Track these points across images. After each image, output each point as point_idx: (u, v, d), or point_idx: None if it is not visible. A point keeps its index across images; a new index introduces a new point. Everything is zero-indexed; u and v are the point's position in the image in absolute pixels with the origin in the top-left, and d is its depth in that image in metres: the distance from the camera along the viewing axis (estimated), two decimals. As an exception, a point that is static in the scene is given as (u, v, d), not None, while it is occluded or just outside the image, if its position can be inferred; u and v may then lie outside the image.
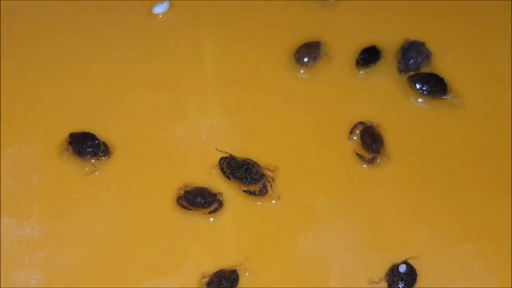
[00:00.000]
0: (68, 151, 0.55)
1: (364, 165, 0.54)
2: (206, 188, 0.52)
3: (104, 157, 0.54)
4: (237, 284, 0.49)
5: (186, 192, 0.51)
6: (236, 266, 0.49)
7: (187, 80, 0.59)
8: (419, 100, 0.57)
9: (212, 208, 0.51)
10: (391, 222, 0.52)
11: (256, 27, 0.62)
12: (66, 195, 0.53)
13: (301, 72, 0.60)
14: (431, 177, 0.54)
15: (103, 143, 0.55)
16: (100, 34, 0.61)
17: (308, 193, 0.53)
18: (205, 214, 0.51)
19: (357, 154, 0.53)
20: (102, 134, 0.55)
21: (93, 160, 0.54)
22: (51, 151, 0.55)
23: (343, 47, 0.61)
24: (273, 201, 0.53)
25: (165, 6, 0.63)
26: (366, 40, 0.61)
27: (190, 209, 0.51)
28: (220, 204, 0.51)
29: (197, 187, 0.51)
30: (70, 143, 0.54)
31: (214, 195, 0.50)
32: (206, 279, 0.50)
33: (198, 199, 0.51)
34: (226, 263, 0.51)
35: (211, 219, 0.52)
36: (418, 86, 0.56)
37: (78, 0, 0.63)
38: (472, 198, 0.54)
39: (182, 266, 0.50)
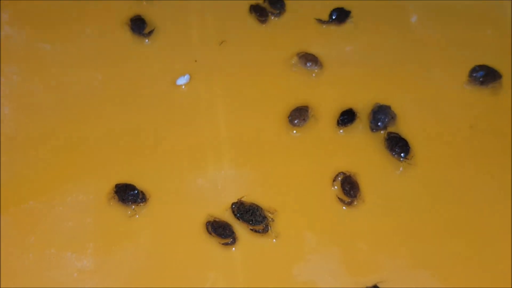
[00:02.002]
0: (114, 198, 0.60)
1: (344, 207, 0.59)
2: (230, 224, 0.58)
3: (142, 203, 0.59)
4: None
5: (215, 221, 0.57)
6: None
7: (205, 139, 0.64)
8: (394, 156, 0.61)
9: (227, 240, 0.57)
10: (365, 252, 0.57)
11: (258, 95, 0.67)
12: (113, 234, 0.58)
13: (294, 132, 0.64)
14: (397, 216, 0.58)
15: (141, 192, 0.60)
16: (137, 101, 0.66)
17: (300, 229, 0.58)
18: (220, 243, 0.57)
19: (339, 198, 0.59)
20: (140, 184, 0.60)
21: (133, 206, 0.59)
22: (102, 199, 0.60)
23: (326, 111, 0.65)
24: (274, 240, 0.58)
25: (186, 79, 0.68)
26: (344, 104, 0.65)
27: (211, 234, 0.57)
28: (234, 239, 0.57)
29: (225, 221, 0.57)
30: (115, 192, 0.60)
31: (233, 232, 0.57)
32: None
33: (220, 230, 0.57)
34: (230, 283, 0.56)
35: (233, 249, 0.57)
36: (389, 149, 0.61)
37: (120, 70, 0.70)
38: (429, 233, 0.58)
39: (206, 281, 0.55)
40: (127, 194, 0.60)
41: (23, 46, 0.73)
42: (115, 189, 0.60)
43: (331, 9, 0.71)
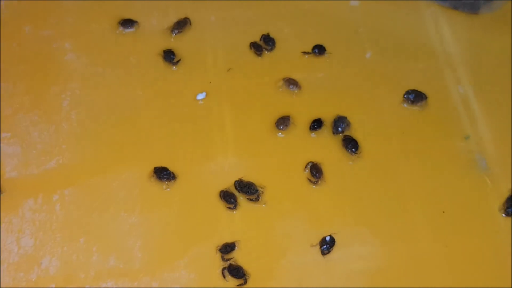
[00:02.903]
0: (153, 176, 0.81)
1: (313, 186, 0.84)
2: (234, 194, 0.79)
3: (172, 180, 0.81)
4: (233, 250, 0.76)
5: (225, 191, 0.79)
6: (236, 240, 0.76)
7: (216, 137, 0.85)
8: (348, 152, 0.84)
9: (231, 205, 0.79)
10: (324, 215, 0.78)
11: (255, 108, 0.88)
12: (153, 201, 0.79)
13: (279, 134, 0.86)
14: (348, 191, 0.81)
15: (172, 172, 0.81)
16: (167, 110, 0.88)
17: (281, 199, 0.79)
18: (226, 207, 0.78)
19: (308, 179, 0.82)
20: (171, 167, 0.82)
21: (166, 182, 0.82)
22: (145, 177, 0.81)
23: (302, 119, 0.86)
24: (263, 205, 0.82)
25: (203, 95, 0.89)
26: (315, 115, 0.86)
27: (221, 200, 0.79)
28: (236, 205, 0.79)
29: (231, 192, 0.79)
30: (154, 172, 0.81)
31: (236, 200, 0.79)
32: (219, 247, 0.76)
33: (227, 197, 0.79)
34: (233, 237, 0.77)
35: (235, 212, 0.80)
36: (345, 147, 0.85)
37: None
38: (369, 202, 0.80)
39: (213, 236, 0.77)
40: (162, 174, 0.81)
41: (83, 69, 0.93)
42: (154, 170, 0.81)
43: (313, 46, 0.94)
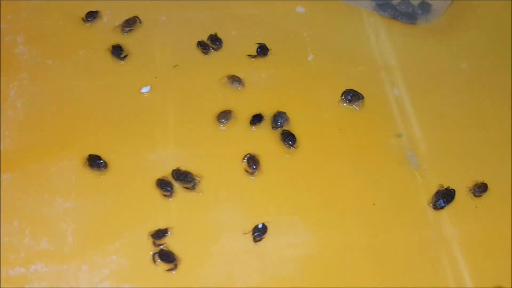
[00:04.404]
0: (86, 164, 0.80)
1: (252, 177, 0.82)
2: (170, 182, 0.78)
3: (103, 169, 0.79)
4: (165, 236, 0.74)
5: (162, 179, 0.78)
6: (169, 227, 0.74)
7: (158, 129, 0.84)
8: (286, 145, 0.84)
9: (167, 193, 0.77)
10: (259, 204, 0.78)
11: (198, 102, 0.87)
12: (88, 187, 0.78)
13: (221, 126, 0.86)
14: (283, 183, 0.80)
15: (104, 161, 0.80)
16: (112, 102, 0.87)
17: (217, 189, 0.79)
18: (162, 195, 0.77)
19: (245, 169, 0.81)
20: (110, 156, 0.81)
21: (97, 170, 0.79)
22: (82, 164, 0.80)
23: (244, 114, 0.86)
24: (200, 194, 0.81)
25: (148, 88, 0.89)
26: (255, 110, 0.86)
27: (157, 188, 0.78)
28: (171, 193, 0.78)
29: (168, 180, 0.78)
30: (87, 159, 0.80)
31: (171, 188, 0.78)
32: (151, 232, 0.74)
33: (163, 185, 0.78)
34: (167, 224, 0.75)
35: (171, 199, 0.78)
36: (283, 141, 0.84)
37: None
38: (303, 193, 0.79)
39: (147, 222, 0.75)
40: (95, 161, 0.80)
41: (32, 61, 0.93)
42: (87, 158, 0.80)
43: (257, 46, 0.95)
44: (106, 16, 0.99)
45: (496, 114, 0.90)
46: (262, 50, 0.96)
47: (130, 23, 0.97)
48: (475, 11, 1.04)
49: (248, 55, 0.95)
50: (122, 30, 0.96)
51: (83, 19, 0.98)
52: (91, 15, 0.98)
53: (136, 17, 0.98)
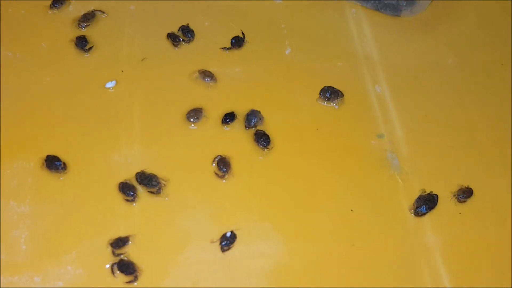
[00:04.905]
0: (44, 165, 0.74)
1: (223, 180, 0.77)
2: (134, 186, 0.73)
3: (62, 171, 0.74)
4: (126, 245, 0.68)
5: (125, 183, 0.73)
6: (131, 235, 0.70)
7: (123, 127, 0.79)
8: (259, 146, 0.79)
9: (129, 198, 0.72)
10: (221, 209, 0.73)
11: (167, 98, 0.83)
12: (45, 190, 0.73)
13: (191, 125, 0.80)
14: (255, 187, 0.75)
15: (63, 162, 0.74)
16: (75, 97, 0.82)
17: (185, 193, 0.74)
18: (124, 200, 0.72)
19: (215, 172, 0.77)
20: (70, 156, 0.76)
21: (56, 172, 0.74)
22: (39, 165, 0.75)
23: (215, 112, 0.81)
24: (166, 198, 0.76)
25: (113, 83, 0.84)
26: (228, 108, 0.82)
27: (120, 192, 0.73)
28: (134, 198, 0.74)
29: (131, 184, 0.73)
30: (45, 160, 0.74)
31: (135, 192, 0.73)
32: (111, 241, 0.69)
33: (126, 190, 0.72)
34: (128, 231, 0.71)
35: (134, 204, 0.74)
36: (256, 141, 0.79)
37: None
38: (276, 199, 0.74)
39: (107, 230, 0.70)
40: (53, 163, 0.74)
41: None
42: (45, 159, 0.75)
43: (231, 38, 0.90)
44: (71, 5, 0.93)
45: (482, 115, 0.85)
46: (237, 42, 0.90)
47: (88, 18, 0.90)
48: (463, 4, 0.98)
49: (222, 48, 0.90)
50: (79, 25, 0.90)
51: (50, 6, 0.92)
52: (58, 1, 0.92)
53: (96, 10, 0.91)
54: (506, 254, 0.73)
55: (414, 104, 0.86)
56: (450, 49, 0.93)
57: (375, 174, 0.79)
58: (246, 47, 0.91)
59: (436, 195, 0.76)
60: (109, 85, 0.84)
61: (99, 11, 0.91)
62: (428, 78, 0.89)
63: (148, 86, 0.84)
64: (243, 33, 0.90)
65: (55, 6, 0.92)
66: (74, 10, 0.92)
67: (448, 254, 0.73)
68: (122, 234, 0.70)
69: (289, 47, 0.91)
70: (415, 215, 0.75)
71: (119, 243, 0.69)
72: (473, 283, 0.70)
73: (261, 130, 0.80)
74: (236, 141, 0.80)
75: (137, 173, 0.75)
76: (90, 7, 0.92)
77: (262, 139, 0.79)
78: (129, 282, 0.67)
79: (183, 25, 0.91)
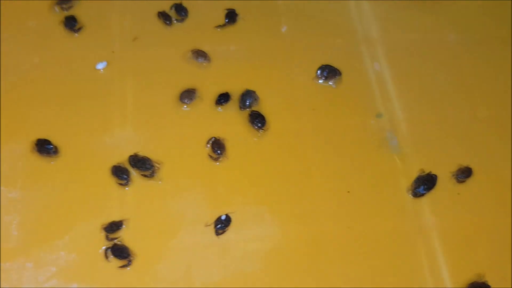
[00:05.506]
0: (34, 149, 0.73)
1: (217, 163, 0.76)
2: (127, 169, 0.72)
3: (54, 155, 0.73)
4: (119, 229, 0.68)
5: (118, 166, 0.72)
6: (124, 219, 0.69)
7: (115, 109, 0.78)
8: (254, 127, 0.78)
9: (123, 182, 0.71)
10: (222, 193, 0.72)
11: (159, 79, 0.81)
12: (36, 174, 0.72)
13: (184, 107, 0.79)
14: (250, 169, 0.74)
15: (55, 146, 0.73)
16: (65, 78, 0.80)
17: (178, 176, 0.73)
18: (117, 183, 0.72)
19: (209, 155, 0.75)
20: (62, 139, 0.75)
21: (47, 156, 0.73)
22: (30, 148, 0.74)
23: (209, 93, 0.80)
24: (159, 182, 0.76)
25: (104, 64, 0.82)
26: (222, 89, 0.80)
27: (112, 176, 0.72)
28: (128, 181, 0.73)
29: (124, 167, 0.72)
30: (36, 144, 0.73)
31: (128, 176, 0.72)
32: (104, 225, 0.68)
33: (119, 173, 0.72)
34: (122, 215, 0.70)
35: (127, 188, 0.73)
36: (251, 123, 0.78)
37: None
38: (271, 180, 0.73)
39: (100, 214, 0.70)
40: (44, 147, 0.73)
41: None
42: (36, 142, 0.73)
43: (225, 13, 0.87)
44: (60, -17, 0.91)
45: (484, 92, 0.83)
46: (231, 17, 0.88)
47: None
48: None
49: (216, 27, 0.87)
50: (61, 7, 0.86)
51: None
52: None
53: None
54: (504, 236, 0.72)
55: (414, 82, 0.84)
56: (452, 25, 0.90)
57: (374, 155, 0.77)
58: (241, 24, 0.88)
59: (435, 175, 0.75)
60: (100, 66, 0.82)
61: None
62: (429, 55, 0.87)
63: (140, 67, 0.82)
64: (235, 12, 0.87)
65: None
66: (63, -12, 0.91)
67: (446, 236, 0.72)
68: (116, 218, 0.69)
69: (285, 24, 0.89)
70: (413, 196, 0.74)
71: (113, 227, 0.68)
72: (470, 265, 0.69)
73: (256, 111, 0.79)
74: (231, 122, 0.78)
75: (130, 156, 0.74)
76: (80, -15, 0.90)
77: (257, 120, 0.78)
78: (123, 266, 0.66)
79: (176, 3, 0.88)
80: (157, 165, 0.74)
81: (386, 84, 0.83)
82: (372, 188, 0.75)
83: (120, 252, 0.66)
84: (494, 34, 0.89)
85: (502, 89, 0.84)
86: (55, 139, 0.75)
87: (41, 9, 0.88)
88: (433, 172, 0.75)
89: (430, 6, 0.92)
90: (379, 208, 0.73)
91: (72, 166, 0.74)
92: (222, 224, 0.69)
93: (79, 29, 0.85)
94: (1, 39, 0.84)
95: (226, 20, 0.88)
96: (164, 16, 0.87)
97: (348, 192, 0.74)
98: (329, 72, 0.83)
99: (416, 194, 0.74)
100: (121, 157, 0.74)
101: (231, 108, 0.80)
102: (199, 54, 0.84)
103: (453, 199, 0.75)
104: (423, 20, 0.91)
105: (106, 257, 0.67)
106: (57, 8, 0.87)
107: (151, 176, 0.73)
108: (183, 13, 0.88)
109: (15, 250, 0.67)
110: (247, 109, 0.79)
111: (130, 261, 0.67)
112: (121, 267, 0.66)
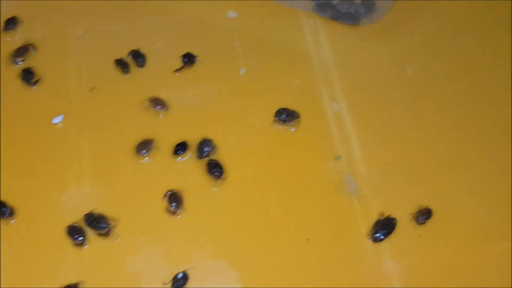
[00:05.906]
0: None
1: (175, 217, 0.74)
2: (83, 229, 0.73)
3: (9, 217, 0.73)
4: None
5: (73, 226, 0.72)
6: (80, 281, 0.68)
7: (71, 166, 0.77)
8: (212, 177, 0.77)
9: (78, 242, 0.71)
10: (180, 248, 0.72)
11: (116, 130, 0.81)
12: None
13: (142, 159, 0.78)
14: (208, 221, 0.74)
15: (10, 208, 0.73)
16: (20, 134, 0.80)
17: (135, 232, 0.72)
18: (73, 244, 0.71)
19: (166, 209, 0.74)
20: (15, 199, 0.74)
21: (2, 219, 0.72)
22: None
23: (167, 142, 0.79)
24: (117, 239, 0.74)
25: (60, 118, 0.82)
26: (181, 137, 0.79)
27: (68, 236, 0.72)
28: (83, 241, 0.72)
29: (80, 227, 0.72)
30: None
31: (83, 235, 0.72)
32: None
33: (74, 234, 0.71)
34: (79, 277, 0.69)
35: (84, 247, 0.73)
36: (209, 172, 0.77)
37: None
38: (231, 234, 0.73)
39: (56, 277, 0.69)
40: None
41: None
42: None
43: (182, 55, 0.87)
44: (17, 34, 0.90)
45: (441, 127, 0.82)
46: (190, 59, 0.87)
47: (22, 52, 0.87)
48: (422, 11, 0.94)
49: (175, 71, 0.87)
50: (14, 61, 0.87)
51: (4, 28, 0.90)
52: (11, 22, 0.90)
53: (30, 45, 0.88)
54: (467, 276, 0.72)
55: (373, 120, 0.83)
56: (409, 57, 0.89)
57: (333, 199, 0.77)
58: (199, 68, 0.88)
59: (394, 218, 0.75)
60: (56, 120, 0.82)
61: (30, 44, 0.88)
62: (387, 91, 0.86)
63: (97, 119, 0.82)
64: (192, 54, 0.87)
65: (9, 28, 0.90)
66: (20, 39, 0.90)
67: (407, 280, 0.71)
68: (72, 280, 0.69)
69: (243, 66, 0.88)
70: (373, 241, 0.74)
71: (68, 291, 0.68)
72: (432, 312, 0.69)
73: (213, 160, 0.78)
74: (189, 173, 0.78)
75: (85, 215, 0.73)
76: (36, 38, 0.89)
77: (215, 169, 0.77)
78: (79, 332, 0.66)
79: (133, 50, 0.88)
80: (113, 222, 0.73)
81: (345, 125, 0.83)
82: (331, 235, 0.74)
83: (77, 317, 0.66)
84: (452, 66, 0.89)
85: (461, 123, 0.83)
86: (10, 200, 0.75)
87: (-2, 64, 0.88)
88: (393, 214, 0.75)
89: (388, 38, 0.92)
90: (339, 256, 0.73)
91: (27, 228, 0.73)
92: (179, 283, 0.69)
93: (36, 82, 0.85)
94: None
95: (185, 60, 0.87)
96: (121, 64, 0.87)
97: (308, 240, 0.74)
98: (287, 115, 0.82)
99: (376, 239, 0.74)
100: (77, 215, 0.74)
101: (189, 157, 0.80)
102: (157, 103, 0.83)
103: (414, 242, 0.74)
104: (382, 54, 0.90)
105: (63, 323, 0.67)
106: (14, 61, 0.87)
107: (106, 234, 0.73)
108: (140, 60, 0.88)
109: (-30, 320, 0.67)
110: (205, 158, 0.79)
111: (86, 326, 0.66)
112: (75, 333, 0.66)
